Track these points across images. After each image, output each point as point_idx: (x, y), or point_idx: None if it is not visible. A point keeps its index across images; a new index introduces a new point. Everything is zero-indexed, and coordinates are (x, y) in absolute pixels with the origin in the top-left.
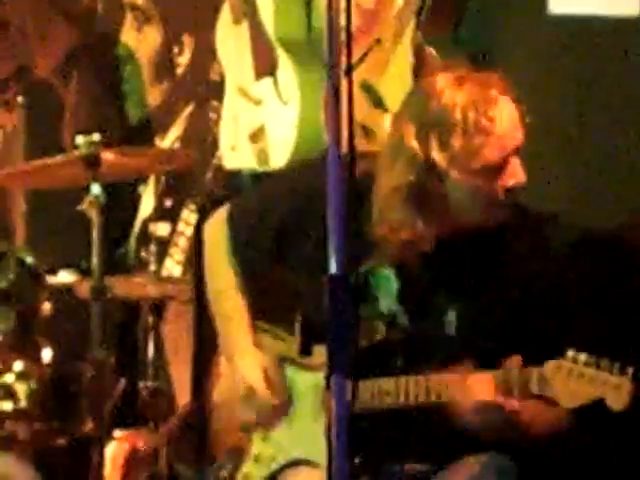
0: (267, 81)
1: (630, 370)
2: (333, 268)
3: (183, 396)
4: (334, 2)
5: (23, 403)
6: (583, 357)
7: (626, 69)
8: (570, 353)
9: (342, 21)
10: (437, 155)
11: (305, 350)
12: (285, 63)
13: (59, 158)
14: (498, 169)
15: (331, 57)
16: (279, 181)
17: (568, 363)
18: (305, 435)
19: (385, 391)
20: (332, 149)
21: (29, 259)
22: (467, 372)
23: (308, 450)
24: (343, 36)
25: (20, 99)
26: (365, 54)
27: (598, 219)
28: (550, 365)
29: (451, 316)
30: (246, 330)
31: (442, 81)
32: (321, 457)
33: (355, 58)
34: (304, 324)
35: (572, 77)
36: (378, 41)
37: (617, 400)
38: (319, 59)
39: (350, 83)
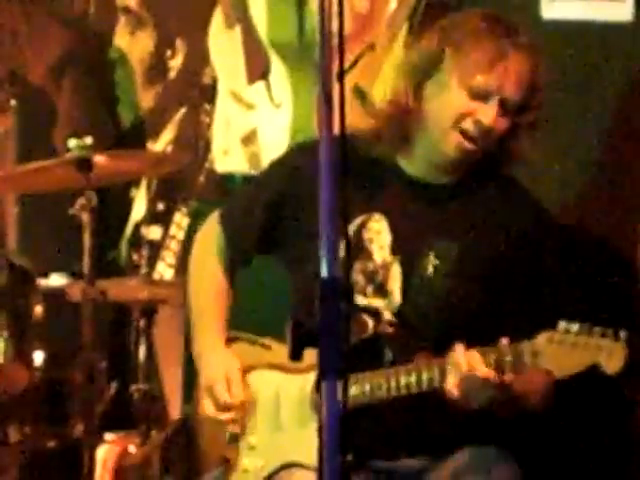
0: (259, 85)
1: (623, 333)
2: (324, 271)
3: (174, 399)
4: (327, 7)
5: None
6: (575, 327)
7: (619, 74)
8: (562, 324)
9: (335, 26)
10: (449, 53)
11: (296, 355)
12: (277, 67)
13: (51, 161)
14: (481, 97)
15: (323, 61)
16: (267, 178)
17: (560, 334)
18: (295, 442)
19: (377, 385)
20: (324, 153)
21: (21, 262)
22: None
23: (299, 456)
24: (335, 41)
25: (13, 102)
26: (357, 59)
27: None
28: (542, 337)
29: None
30: (218, 331)
31: (478, 11)
32: (313, 460)
33: (348, 62)
34: (294, 328)
35: (564, 82)
36: (372, 46)
37: (611, 364)
38: (311, 63)
39: (342, 88)
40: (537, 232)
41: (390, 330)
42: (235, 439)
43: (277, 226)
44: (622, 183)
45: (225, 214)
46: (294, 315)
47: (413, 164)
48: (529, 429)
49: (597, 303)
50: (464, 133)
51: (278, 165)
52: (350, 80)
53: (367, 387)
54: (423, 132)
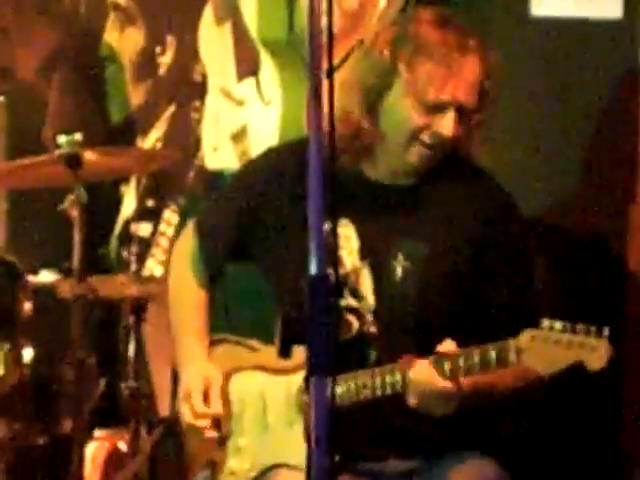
0: (249, 82)
1: (606, 331)
2: (313, 268)
3: (163, 398)
4: (316, 4)
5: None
6: (559, 325)
7: (608, 71)
8: (545, 322)
9: (324, 22)
10: (401, 68)
11: (285, 351)
12: (267, 64)
13: (41, 158)
14: (437, 109)
15: (313, 58)
16: (240, 183)
17: (544, 332)
18: (281, 442)
19: (361, 384)
20: (313, 150)
21: (10, 259)
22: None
23: (286, 456)
24: (325, 37)
25: (2, 99)
26: (347, 55)
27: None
28: (526, 335)
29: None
30: (199, 341)
31: (427, 13)
32: (299, 460)
33: (337, 59)
34: (283, 324)
35: (554, 80)
36: (361, 42)
37: (595, 361)
38: (301, 60)
39: (331, 84)
40: (506, 217)
41: (374, 330)
42: (222, 441)
43: (253, 231)
44: (611, 179)
45: (200, 222)
46: (283, 313)
47: (376, 170)
48: (516, 430)
49: (584, 299)
50: (424, 144)
51: (252, 169)
52: (339, 77)
53: (352, 386)
54: (383, 145)
